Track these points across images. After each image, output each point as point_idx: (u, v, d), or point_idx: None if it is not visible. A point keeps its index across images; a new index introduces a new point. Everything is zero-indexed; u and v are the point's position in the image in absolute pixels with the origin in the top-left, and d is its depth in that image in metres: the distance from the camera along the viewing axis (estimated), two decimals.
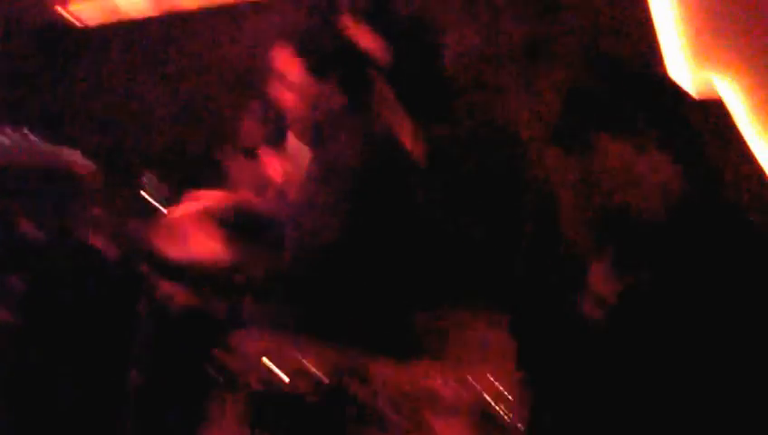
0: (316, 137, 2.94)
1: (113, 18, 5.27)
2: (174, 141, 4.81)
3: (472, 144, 3.76)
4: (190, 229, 3.04)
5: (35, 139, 3.05)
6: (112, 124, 4.99)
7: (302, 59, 2.95)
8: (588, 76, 3.13)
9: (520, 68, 3.75)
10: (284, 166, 3.42)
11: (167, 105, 4.94)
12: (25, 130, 3.02)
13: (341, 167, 2.76)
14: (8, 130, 2.93)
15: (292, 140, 3.34)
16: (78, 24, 5.38)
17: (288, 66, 2.94)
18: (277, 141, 3.47)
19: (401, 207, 2.83)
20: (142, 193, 3.24)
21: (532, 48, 3.74)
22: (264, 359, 2.39)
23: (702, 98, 3.25)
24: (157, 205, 3.25)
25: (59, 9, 5.37)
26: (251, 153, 3.63)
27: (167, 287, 2.76)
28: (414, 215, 2.89)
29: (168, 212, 2.99)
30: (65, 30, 5.34)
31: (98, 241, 2.86)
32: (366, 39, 3.41)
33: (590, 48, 3.56)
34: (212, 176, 3.80)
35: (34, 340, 2.78)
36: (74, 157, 3.14)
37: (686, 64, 3.43)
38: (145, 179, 3.32)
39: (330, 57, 2.98)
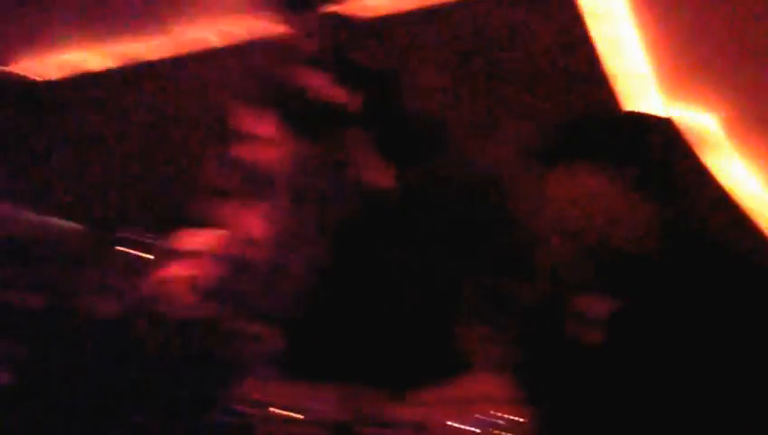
0: (295, 192, 3.03)
1: (72, 72, 5.32)
2: (148, 193, 4.86)
3: (450, 185, 3.87)
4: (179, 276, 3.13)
5: (23, 209, 3.11)
6: (83, 181, 5.03)
7: (273, 115, 3.03)
8: (557, 119, 3.27)
9: (491, 109, 3.87)
10: (258, 215, 3.51)
11: (135, 157, 5.00)
12: (13, 203, 3.09)
13: (323, 221, 2.87)
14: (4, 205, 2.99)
15: (268, 195, 3.43)
16: (36, 79, 5.41)
17: (259, 123, 3.03)
18: (250, 190, 3.56)
19: (384, 255, 2.94)
20: (125, 249, 3.32)
21: (501, 88, 3.87)
22: (275, 406, 2.47)
23: (669, 129, 3.41)
24: (141, 259, 3.33)
25: (9, 67, 5.41)
26: (223, 201, 3.71)
27: (173, 340, 2.84)
28: (397, 260, 3.00)
29: (159, 271, 3.08)
30: (23, 87, 5.37)
31: (97, 304, 2.93)
32: (331, 89, 3.51)
33: (556, 91, 3.71)
34: (188, 224, 3.87)
35: (37, 403, 2.84)
36: (62, 224, 3.21)
37: (654, 97, 3.58)
38: (125, 235, 3.40)
39: (300, 111, 3.08)
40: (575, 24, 3.69)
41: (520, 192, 3.53)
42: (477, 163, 3.93)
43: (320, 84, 3.60)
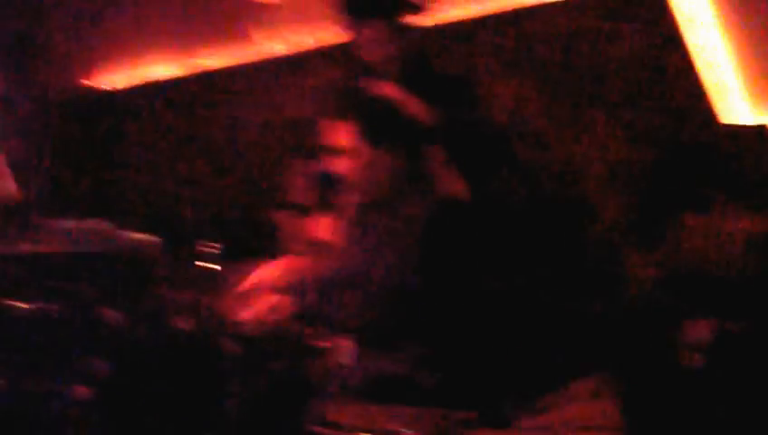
0: (377, 204, 3.00)
1: (147, 82, 5.37)
2: (220, 204, 4.88)
3: (529, 198, 3.80)
4: (260, 296, 3.12)
5: (108, 225, 3.12)
6: (155, 193, 5.06)
7: (352, 125, 3.00)
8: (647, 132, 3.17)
9: (571, 118, 3.80)
10: (336, 226, 3.48)
11: (211, 167, 5.02)
12: (101, 219, 3.10)
13: (406, 233, 2.82)
14: (86, 220, 3.01)
15: (346, 205, 3.39)
16: (112, 90, 5.47)
17: (339, 133, 3.00)
18: (326, 200, 3.53)
19: (470, 268, 2.89)
20: (199, 263, 3.31)
21: (579, 98, 3.80)
22: (355, 428, 2.43)
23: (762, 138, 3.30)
24: (215, 272, 3.31)
25: (86, 80, 5.48)
26: (299, 212, 3.69)
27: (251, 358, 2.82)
28: (478, 274, 2.95)
29: (239, 283, 3.07)
30: (99, 99, 5.43)
31: (178, 320, 2.92)
32: (405, 99, 3.45)
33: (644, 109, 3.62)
34: (263, 236, 3.86)
35: (120, 419, 2.83)
36: (140, 237, 3.21)
37: (744, 109, 3.50)
38: (201, 248, 3.38)
39: (375, 122, 3.04)
40: (664, 32, 3.60)
41: (606, 207, 3.45)
42: (559, 176, 3.85)
43: (394, 94, 3.55)
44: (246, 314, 2.97)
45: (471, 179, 3.51)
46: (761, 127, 3.42)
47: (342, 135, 3.05)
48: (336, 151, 3.07)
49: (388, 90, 3.46)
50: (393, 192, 3.03)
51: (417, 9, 3.53)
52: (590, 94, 3.83)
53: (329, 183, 3.42)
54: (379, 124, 3.08)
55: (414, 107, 3.42)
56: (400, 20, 3.50)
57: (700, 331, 2.13)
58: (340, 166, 3.05)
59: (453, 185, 3.41)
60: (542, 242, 3.61)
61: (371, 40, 3.53)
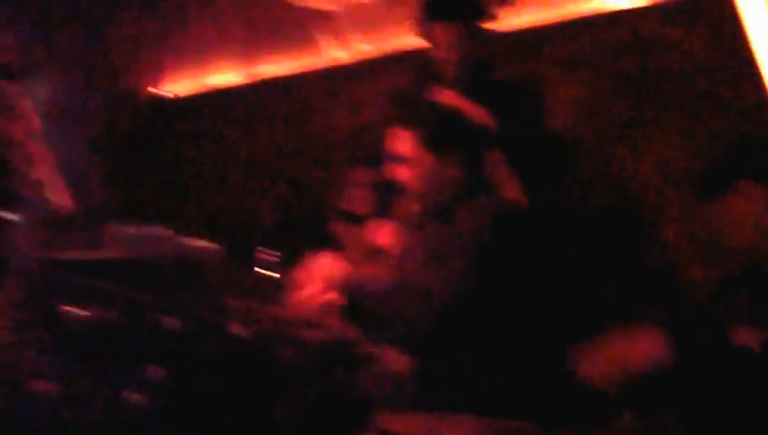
0: (437, 212, 2.98)
1: (206, 90, 5.41)
2: (278, 211, 4.90)
3: (588, 199, 3.75)
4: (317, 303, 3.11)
5: (166, 231, 3.14)
6: (216, 200, 5.10)
7: (415, 133, 2.97)
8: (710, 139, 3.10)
9: (635, 125, 3.75)
10: (394, 234, 3.46)
11: (269, 175, 5.04)
12: (160, 226, 3.13)
13: (467, 242, 2.80)
14: (146, 227, 3.04)
15: (406, 213, 3.37)
16: (172, 98, 5.53)
17: (401, 141, 2.98)
18: (384, 208, 3.51)
19: (523, 275, 2.85)
20: (259, 270, 3.31)
21: (643, 106, 3.74)
22: None
23: None
24: (274, 279, 3.31)
25: (151, 88, 5.54)
26: (358, 220, 3.67)
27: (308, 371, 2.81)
28: (536, 281, 2.90)
29: (297, 291, 3.07)
30: (161, 107, 5.49)
31: (235, 328, 2.92)
32: (471, 109, 3.42)
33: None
34: (320, 244, 3.86)
35: (177, 426, 2.84)
36: (203, 245, 3.22)
37: None
38: (260, 256, 3.38)
39: (440, 130, 3.01)
40: (730, 39, 3.51)
41: (665, 214, 3.37)
42: (620, 182, 3.79)
43: (457, 102, 3.52)
44: (303, 320, 2.96)
45: (532, 187, 3.48)
46: None
47: (405, 143, 3.03)
48: (398, 159, 3.05)
49: (451, 98, 3.44)
50: (454, 200, 3.01)
51: (490, 15, 3.51)
52: (654, 101, 3.77)
53: (390, 191, 3.40)
54: (441, 132, 3.06)
55: (476, 115, 3.39)
56: (474, 24, 3.48)
57: (753, 336, 2.06)
58: (402, 174, 3.03)
59: (513, 193, 3.38)
60: (601, 249, 3.56)
61: (444, 42, 3.50)
